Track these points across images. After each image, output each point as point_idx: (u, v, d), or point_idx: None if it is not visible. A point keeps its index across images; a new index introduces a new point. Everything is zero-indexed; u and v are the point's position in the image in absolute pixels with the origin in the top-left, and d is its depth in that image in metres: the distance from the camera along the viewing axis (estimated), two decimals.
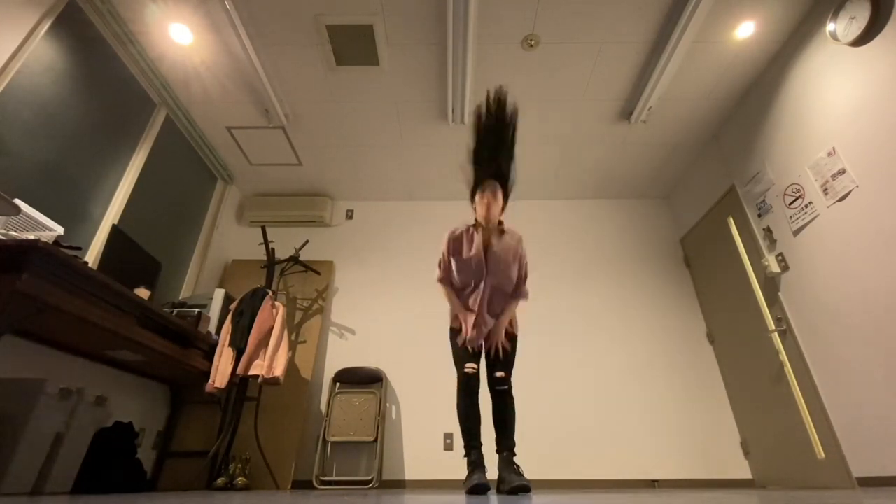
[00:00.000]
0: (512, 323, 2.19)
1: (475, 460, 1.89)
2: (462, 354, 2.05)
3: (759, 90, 3.11)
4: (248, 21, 2.72)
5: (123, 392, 2.71)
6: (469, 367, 1.98)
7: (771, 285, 3.04)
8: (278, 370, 2.87)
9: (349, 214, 4.39)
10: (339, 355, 3.68)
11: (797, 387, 2.82)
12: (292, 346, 3.56)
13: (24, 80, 2.20)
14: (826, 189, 2.58)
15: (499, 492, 1.84)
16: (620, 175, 4.10)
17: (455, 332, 2.14)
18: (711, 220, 3.68)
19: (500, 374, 2.03)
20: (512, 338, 2.15)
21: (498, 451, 1.94)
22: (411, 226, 4.30)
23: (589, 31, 2.79)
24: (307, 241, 3.96)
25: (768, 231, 3.06)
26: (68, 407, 2.09)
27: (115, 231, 2.70)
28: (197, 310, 2.85)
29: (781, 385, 2.93)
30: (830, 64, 2.56)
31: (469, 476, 1.85)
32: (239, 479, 2.80)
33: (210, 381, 2.74)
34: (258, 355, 2.90)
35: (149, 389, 2.96)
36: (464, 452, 1.95)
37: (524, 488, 1.72)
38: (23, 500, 1.57)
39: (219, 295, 3.18)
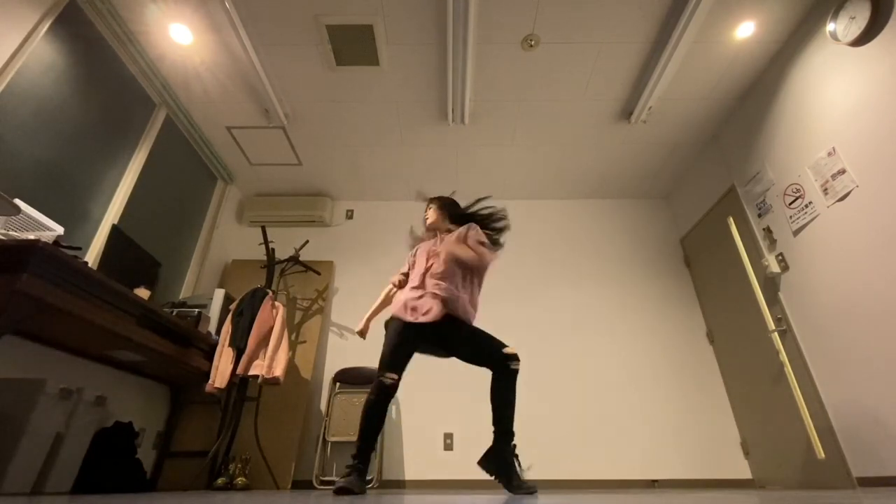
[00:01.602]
0: (467, 309, 2.09)
1: (362, 467, 1.83)
2: (393, 355, 1.97)
3: (759, 90, 3.11)
4: (248, 21, 2.72)
5: (123, 392, 2.71)
6: (390, 376, 1.91)
7: (771, 285, 3.04)
8: (278, 370, 2.87)
9: (349, 214, 4.39)
10: (339, 355, 3.68)
11: (797, 387, 2.82)
12: (292, 346, 3.56)
13: (24, 80, 2.20)
14: (826, 189, 2.58)
15: (510, 489, 1.82)
16: (620, 175, 4.10)
17: (395, 320, 2.08)
18: (711, 220, 3.68)
19: (512, 350, 1.92)
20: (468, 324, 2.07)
21: (503, 442, 1.85)
22: (411, 226, 4.29)
23: (589, 31, 2.79)
24: (307, 241, 3.96)
25: (768, 231, 3.06)
26: (68, 407, 2.10)
27: (115, 231, 2.70)
28: (197, 310, 2.85)
29: (781, 385, 2.93)
30: (830, 64, 2.56)
31: (352, 477, 1.79)
32: (239, 479, 2.80)
33: (210, 381, 2.74)
34: (258, 355, 2.89)
35: (149, 389, 2.96)
36: (355, 457, 1.86)
37: (533, 490, 1.74)
38: (23, 500, 1.56)
39: (219, 295, 3.18)
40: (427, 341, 2.07)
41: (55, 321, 1.89)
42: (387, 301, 2.39)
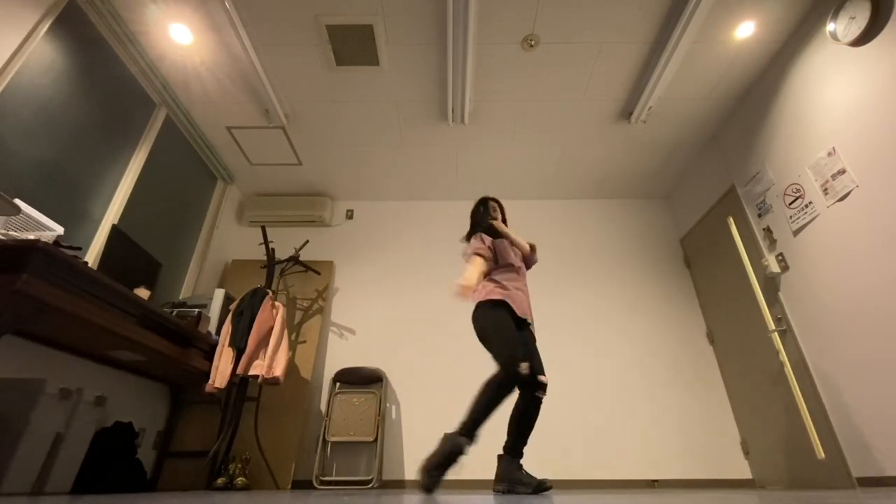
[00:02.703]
0: None
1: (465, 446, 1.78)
2: (518, 343, 1.89)
3: (759, 90, 3.11)
4: (248, 21, 2.72)
5: (123, 392, 2.71)
6: (526, 366, 1.82)
7: (771, 285, 3.04)
8: (278, 370, 2.87)
9: (349, 214, 4.39)
10: (339, 355, 3.68)
11: (797, 387, 2.82)
12: (292, 346, 3.56)
13: (24, 80, 2.20)
14: (826, 189, 2.58)
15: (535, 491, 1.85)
16: (620, 175, 4.10)
17: (500, 305, 1.99)
18: (711, 220, 3.68)
19: (546, 378, 1.98)
20: None
21: (511, 460, 1.92)
22: (411, 226, 4.30)
23: (589, 31, 2.79)
24: (307, 241, 3.96)
25: (768, 231, 3.06)
26: (68, 407, 2.10)
27: (115, 231, 2.70)
28: (197, 310, 2.85)
29: (781, 385, 2.93)
30: (830, 64, 2.56)
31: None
32: (239, 479, 2.80)
33: (210, 381, 2.74)
34: (258, 355, 2.89)
35: (149, 389, 2.96)
36: (467, 436, 1.77)
37: (547, 487, 1.79)
38: (23, 500, 1.57)
39: (219, 295, 3.18)
40: None
41: (55, 321, 1.89)
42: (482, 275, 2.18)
